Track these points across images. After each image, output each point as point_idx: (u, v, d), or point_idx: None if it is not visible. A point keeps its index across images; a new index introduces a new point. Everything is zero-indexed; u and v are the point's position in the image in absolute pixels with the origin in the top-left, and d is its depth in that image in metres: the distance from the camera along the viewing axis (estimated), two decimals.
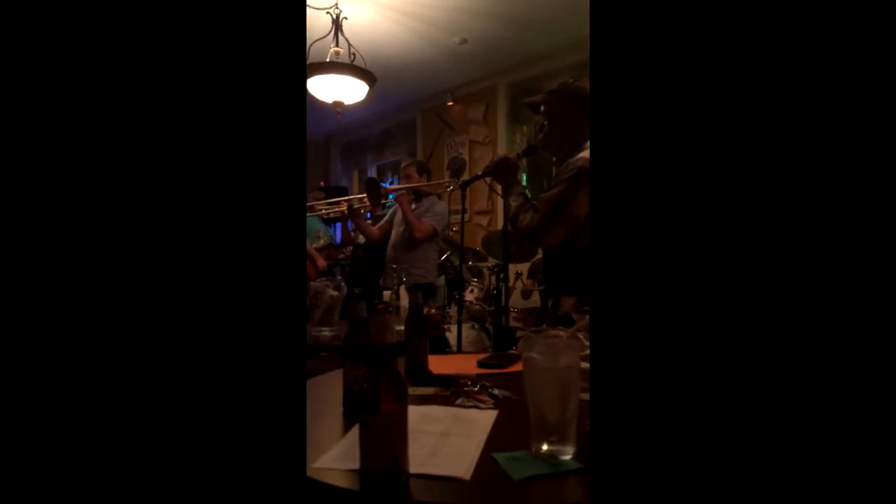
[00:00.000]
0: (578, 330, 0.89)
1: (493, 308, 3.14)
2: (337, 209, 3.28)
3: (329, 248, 3.97)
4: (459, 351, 2.11)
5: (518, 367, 0.73)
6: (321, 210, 3.42)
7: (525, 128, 4.49)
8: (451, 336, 2.44)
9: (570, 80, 1.62)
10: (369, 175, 6.11)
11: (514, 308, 3.46)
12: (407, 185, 2.84)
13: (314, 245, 3.98)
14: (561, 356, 0.70)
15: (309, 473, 0.65)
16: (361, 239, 3.58)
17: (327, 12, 3.22)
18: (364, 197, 2.92)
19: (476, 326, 3.06)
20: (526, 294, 3.69)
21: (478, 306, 3.22)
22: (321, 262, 3.88)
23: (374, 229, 2.96)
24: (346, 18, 3.27)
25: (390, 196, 2.99)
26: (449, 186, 3.09)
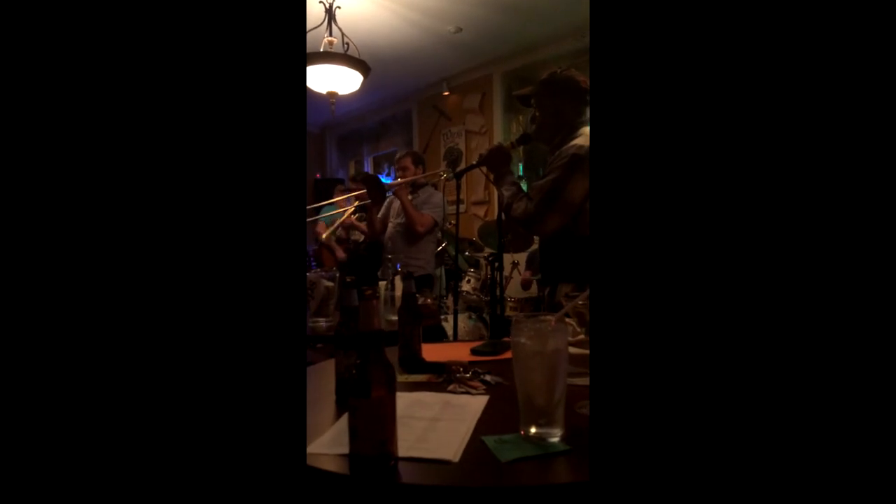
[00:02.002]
0: (566, 314, 0.89)
1: (489, 297, 3.15)
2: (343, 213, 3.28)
3: (347, 242, 3.98)
4: (456, 340, 2.12)
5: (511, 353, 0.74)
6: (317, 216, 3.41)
7: (521, 116, 4.48)
8: (449, 326, 2.45)
9: (559, 70, 1.62)
10: (366, 168, 6.08)
11: (511, 297, 3.46)
12: (404, 180, 2.82)
13: (335, 237, 3.99)
14: (549, 340, 0.71)
15: None
16: (360, 236, 3.57)
17: (320, 2, 3.20)
18: (361, 192, 2.91)
19: (474, 316, 3.07)
20: (526, 284, 3.69)
21: (475, 296, 3.23)
22: (340, 254, 3.88)
23: (378, 224, 2.94)
24: (339, 8, 3.25)
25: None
26: (443, 174, 3.06)
